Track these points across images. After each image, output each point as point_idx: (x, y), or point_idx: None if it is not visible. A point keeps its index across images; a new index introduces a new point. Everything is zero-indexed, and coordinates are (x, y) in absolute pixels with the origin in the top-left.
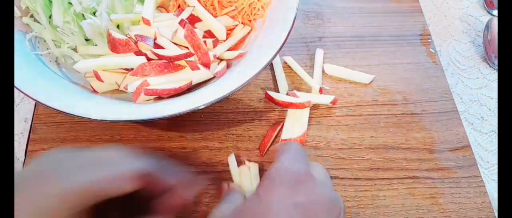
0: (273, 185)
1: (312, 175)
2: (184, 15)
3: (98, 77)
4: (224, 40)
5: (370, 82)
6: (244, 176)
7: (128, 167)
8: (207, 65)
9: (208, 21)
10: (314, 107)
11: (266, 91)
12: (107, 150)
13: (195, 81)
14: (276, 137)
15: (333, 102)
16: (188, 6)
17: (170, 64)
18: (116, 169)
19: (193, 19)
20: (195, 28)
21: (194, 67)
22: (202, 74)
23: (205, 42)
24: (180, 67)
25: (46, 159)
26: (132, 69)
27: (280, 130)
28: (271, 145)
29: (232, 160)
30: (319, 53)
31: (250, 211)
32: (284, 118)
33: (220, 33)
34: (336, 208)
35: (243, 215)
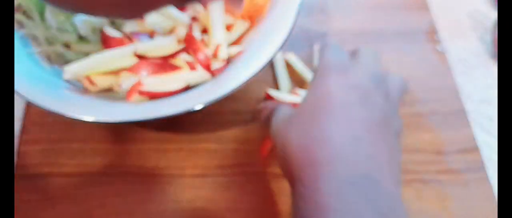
0: (323, 76)
1: (357, 61)
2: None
3: (91, 82)
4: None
5: None
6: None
7: None
8: (206, 67)
9: (210, 27)
10: None
11: (265, 92)
12: None
13: (192, 83)
14: None
15: None
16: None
17: (167, 64)
18: None
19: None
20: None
21: (192, 68)
22: (200, 76)
23: (202, 40)
24: (177, 68)
25: None
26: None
27: None
28: (272, 149)
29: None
30: (318, 50)
31: (309, 101)
32: None
33: (219, 38)
34: (395, 84)
35: (305, 107)
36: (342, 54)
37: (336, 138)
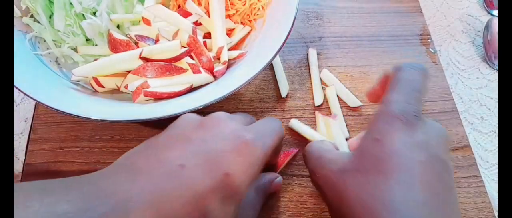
0: (387, 126)
1: (422, 115)
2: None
3: (98, 83)
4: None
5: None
6: (333, 125)
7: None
8: (210, 70)
9: (213, 32)
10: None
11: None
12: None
13: (196, 84)
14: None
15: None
16: (188, 6)
17: (171, 66)
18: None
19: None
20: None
21: (196, 71)
22: (203, 78)
23: (205, 43)
24: (182, 70)
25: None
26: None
27: (295, 155)
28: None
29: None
30: (313, 54)
31: (371, 155)
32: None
33: (220, 42)
34: (445, 136)
35: (365, 160)
36: (412, 107)
37: (400, 204)
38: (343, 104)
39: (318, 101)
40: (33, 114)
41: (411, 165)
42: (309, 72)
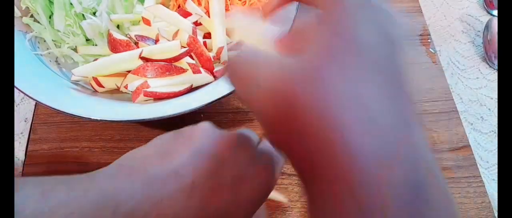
0: (347, 11)
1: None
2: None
3: (98, 83)
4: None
5: None
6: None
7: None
8: (209, 70)
9: (213, 32)
10: None
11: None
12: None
13: (196, 84)
14: None
15: None
16: (188, 6)
17: (171, 66)
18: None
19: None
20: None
21: (196, 71)
22: (203, 78)
23: (205, 43)
24: (182, 70)
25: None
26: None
27: None
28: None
29: None
30: None
31: (329, 46)
32: None
33: (220, 42)
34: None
35: (312, 52)
36: None
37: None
38: None
39: None
40: (33, 114)
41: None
42: None
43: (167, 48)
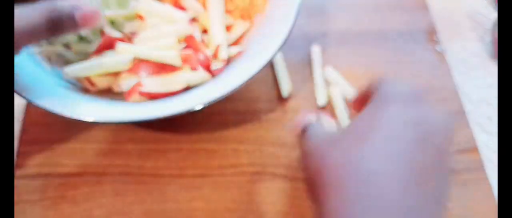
0: (384, 101)
1: (424, 98)
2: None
3: (91, 82)
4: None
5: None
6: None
7: None
8: (206, 68)
9: (210, 28)
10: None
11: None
12: None
13: (193, 83)
14: None
15: None
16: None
17: (167, 64)
18: None
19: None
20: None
21: (193, 67)
22: (200, 76)
23: (203, 40)
24: (178, 68)
25: None
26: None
27: None
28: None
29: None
30: (316, 52)
31: (358, 125)
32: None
33: (219, 39)
34: (450, 131)
35: (349, 129)
36: (406, 86)
37: (373, 174)
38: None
39: (321, 101)
40: (25, 114)
41: (395, 138)
42: (312, 70)
43: (162, 46)
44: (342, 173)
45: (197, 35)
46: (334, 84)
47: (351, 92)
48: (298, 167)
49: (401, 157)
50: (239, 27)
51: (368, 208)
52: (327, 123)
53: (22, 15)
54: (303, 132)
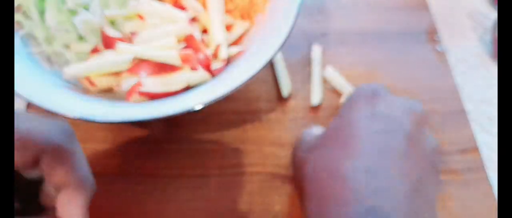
0: (351, 103)
1: (389, 92)
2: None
3: (91, 82)
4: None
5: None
6: None
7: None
8: (206, 68)
9: (210, 28)
10: (316, 107)
11: None
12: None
13: (193, 83)
14: None
15: None
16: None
17: (167, 64)
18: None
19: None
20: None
21: (193, 67)
22: (200, 76)
23: (203, 40)
24: (177, 68)
25: None
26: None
27: None
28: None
29: None
30: (316, 51)
31: (332, 129)
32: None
33: (219, 39)
34: (417, 112)
35: (326, 135)
36: (367, 85)
37: (349, 173)
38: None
39: (315, 101)
40: None
41: (365, 135)
42: (312, 70)
43: (162, 45)
44: (315, 175)
45: (197, 35)
46: (340, 89)
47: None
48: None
49: (368, 150)
50: (239, 27)
51: (337, 205)
52: (316, 130)
53: None
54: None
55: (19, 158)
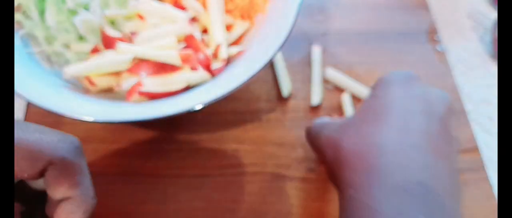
0: (386, 85)
1: (418, 79)
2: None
3: (91, 82)
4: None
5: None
6: None
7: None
8: (206, 68)
9: (211, 28)
10: (316, 107)
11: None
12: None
13: (193, 83)
14: None
15: None
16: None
17: (167, 64)
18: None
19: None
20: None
21: (193, 67)
22: (200, 76)
23: (203, 40)
24: (177, 68)
25: None
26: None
27: None
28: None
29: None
30: (316, 51)
31: (367, 107)
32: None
33: (219, 38)
34: (447, 102)
35: (362, 113)
36: (399, 72)
37: (391, 146)
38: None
39: (315, 101)
40: (25, 115)
41: (406, 113)
42: (312, 70)
43: (162, 45)
44: (358, 148)
45: (197, 35)
46: (345, 89)
47: (363, 91)
48: (298, 167)
49: (410, 127)
50: (239, 27)
51: (385, 175)
52: (333, 119)
53: None
54: (310, 132)
55: (28, 168)
